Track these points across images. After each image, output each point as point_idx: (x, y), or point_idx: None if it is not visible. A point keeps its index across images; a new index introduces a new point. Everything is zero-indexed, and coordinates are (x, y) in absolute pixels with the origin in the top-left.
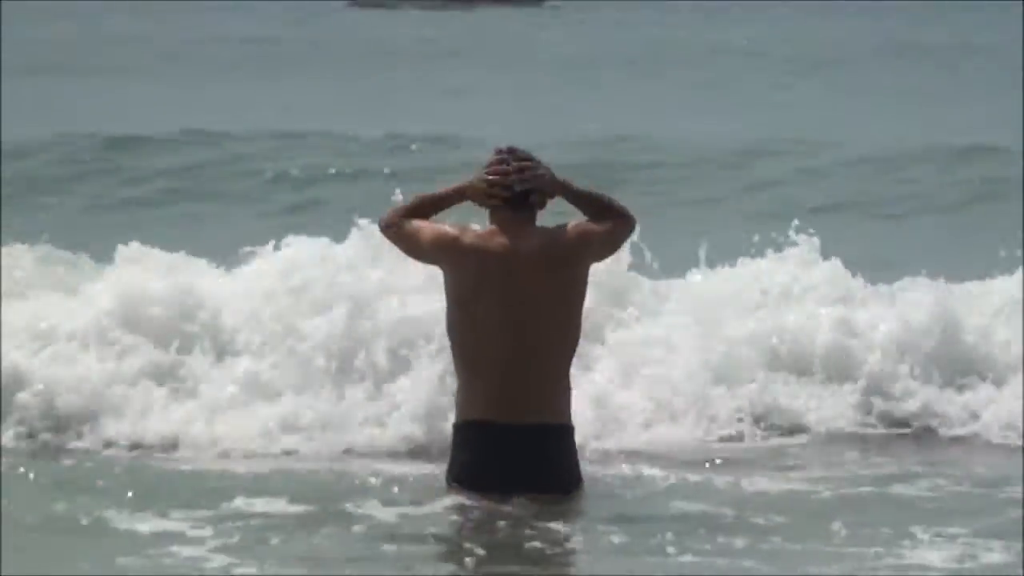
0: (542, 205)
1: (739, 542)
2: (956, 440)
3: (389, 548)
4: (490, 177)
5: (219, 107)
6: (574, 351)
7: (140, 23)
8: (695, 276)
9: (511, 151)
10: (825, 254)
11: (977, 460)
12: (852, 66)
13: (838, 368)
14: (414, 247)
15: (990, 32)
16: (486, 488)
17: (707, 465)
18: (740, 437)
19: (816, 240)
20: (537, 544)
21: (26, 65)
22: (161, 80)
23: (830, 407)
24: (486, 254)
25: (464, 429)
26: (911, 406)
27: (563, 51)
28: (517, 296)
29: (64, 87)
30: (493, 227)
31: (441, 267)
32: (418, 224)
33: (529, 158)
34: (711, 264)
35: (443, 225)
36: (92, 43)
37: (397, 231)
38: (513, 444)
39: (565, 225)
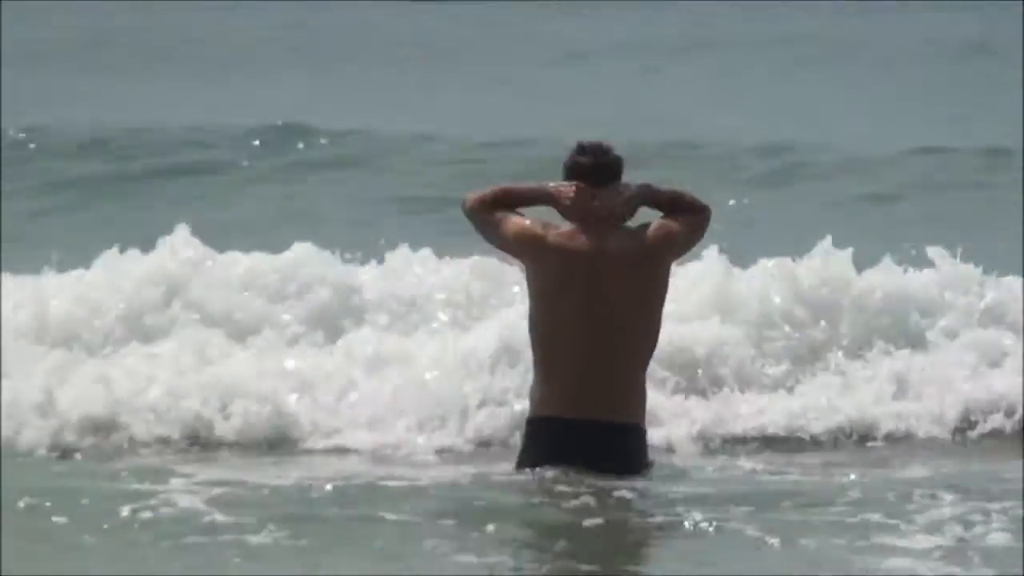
0: (630, 215)
1: None
2: None
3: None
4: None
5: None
6: (652, 352)
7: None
8: None
9: (595, 149)
10: None
11: None
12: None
13: None
14: (497, 237)
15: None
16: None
17: None
18: None
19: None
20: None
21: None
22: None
23: None
24: (571, 252)
25: (538, 423)
26: None
27: (578, 44)
28: (600, 295)
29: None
30: (575, 226)
31: (523, 262)
32: (502, 215)
33: (610, 152)
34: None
35: (527, 220)
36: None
37: (482, 216)
38: (586, 440)
39: (647, 225)
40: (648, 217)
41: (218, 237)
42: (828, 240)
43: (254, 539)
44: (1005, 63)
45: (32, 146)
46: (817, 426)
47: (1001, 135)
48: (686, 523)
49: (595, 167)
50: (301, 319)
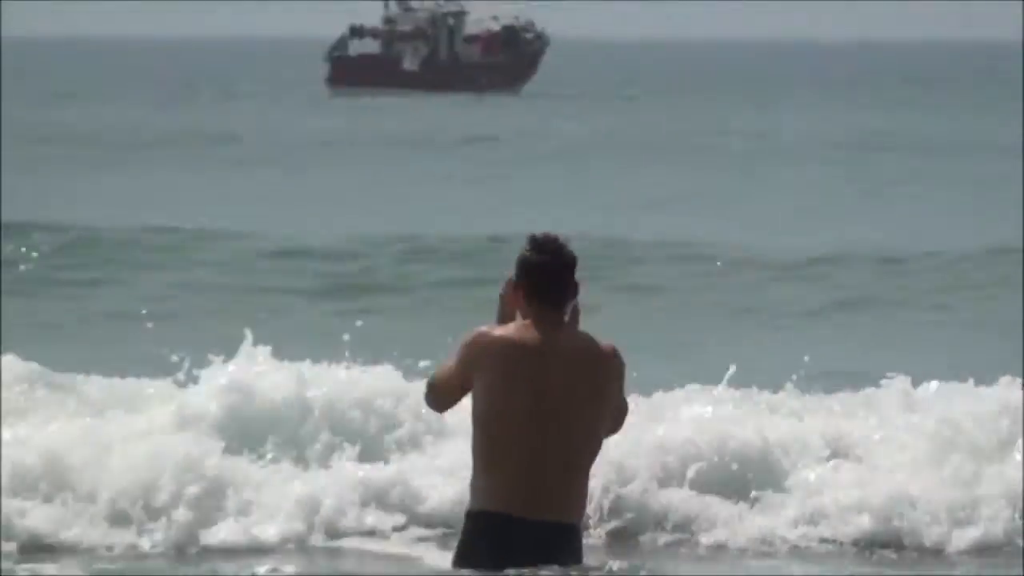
0: (574, 297)
1: None
2: None
3: None
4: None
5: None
6: (599, 451)
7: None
8: None
9: (550, 246)
10: None
11: None
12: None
13: None
14: (460, 395)
15: None
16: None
17: None
18: None
19: None
20: None
21: None
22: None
23: None
24: (519, 345)
25: (480, 518)
26: None
27: (544, 139)
28: (549, 389)
29: None
30: (527, 321)
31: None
32: (448, 383)
33: (564, 249)
34: None
35: (469, 351)
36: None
37: (445, 404)
38: (528, 538)
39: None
40: None
41: None
42: None
43: None
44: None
45: None
46: None
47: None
48: None
49: (550, 266)
50: None
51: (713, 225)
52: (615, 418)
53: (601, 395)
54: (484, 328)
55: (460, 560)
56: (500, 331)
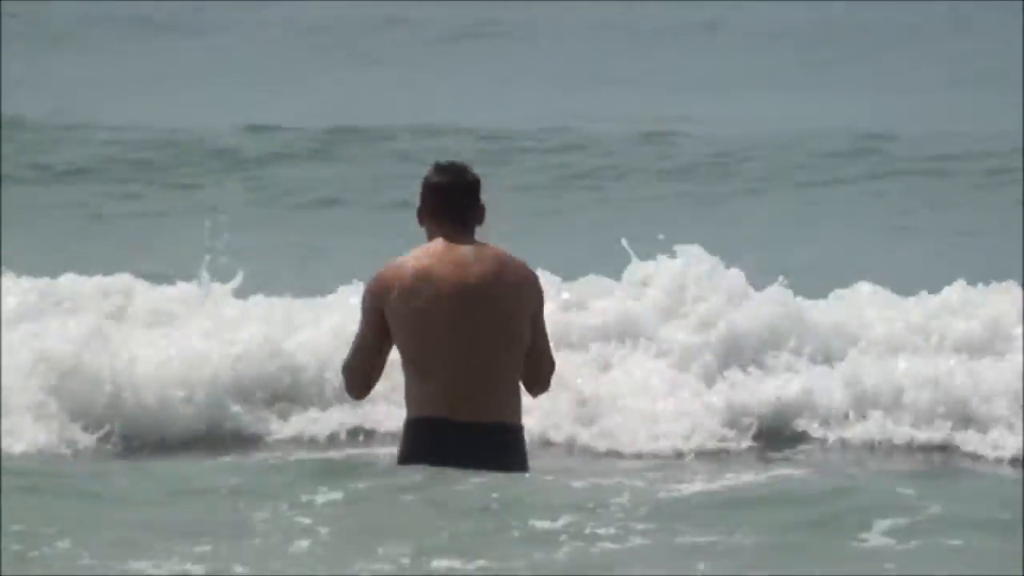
0: (480, 221)
1: None
2: None
3: None
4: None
5: None
6: (522, 363)
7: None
8: None
9: (452, 168)
10: None
11: None
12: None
13: None
14: (378, 354)
15: None
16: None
17: None
18: None
19: None
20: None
21: None
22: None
23: None
24: (423, 262)
25: (419, 424)
26: None
27: None
28: (464, 293)
29: None
30: (437, 240)
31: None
32: (360, 350)
33: (468, 172)
34: None
35: (371, 295)
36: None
37: (364, 377)
38: (468, 441)
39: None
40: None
41: None
42: None
43: None
44: None
45: None
46: None
47: None
48: None
49: (452, 187)
50: None
51: None
52: (538, 364)
53: (519, 302)
54: (378, 272)
55: (405, 460)
56: (396, 261)
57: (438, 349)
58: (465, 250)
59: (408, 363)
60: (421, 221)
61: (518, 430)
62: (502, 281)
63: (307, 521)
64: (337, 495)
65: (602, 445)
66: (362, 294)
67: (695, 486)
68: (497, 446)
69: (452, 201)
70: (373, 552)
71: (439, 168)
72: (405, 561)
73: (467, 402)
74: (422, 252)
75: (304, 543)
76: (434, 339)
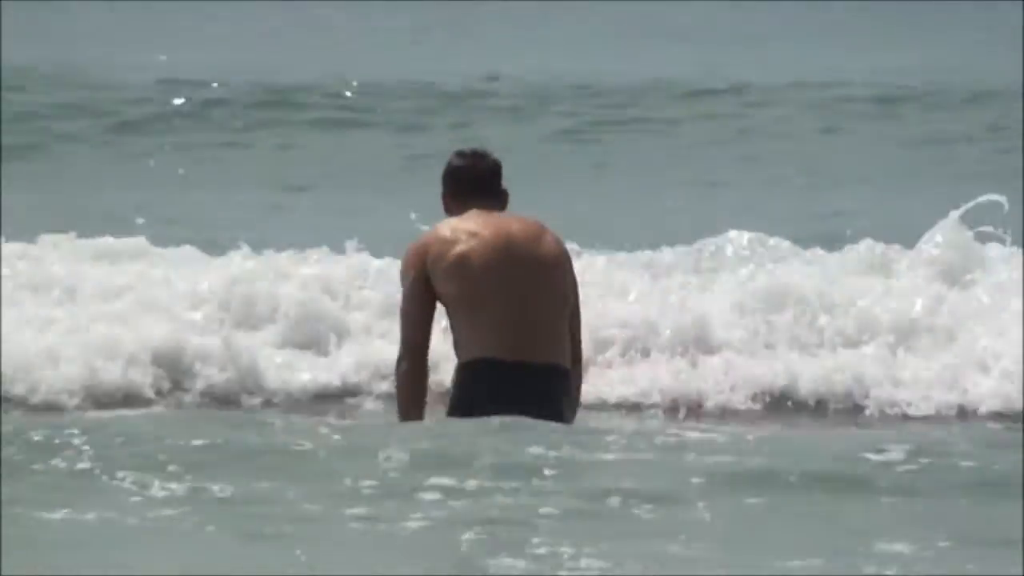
0: (505, 205)
1: None
2: None
3: None
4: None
5: None
6: (566, 313)
7: None
8: None
9: (474, 153)
10: None
11: None
12: None
13: None
14: (429, 323)
15: None
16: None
17: None
18: None
19: None
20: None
21: None
22: None
23: None
24: (467, 223)
25: (476, 365)
26: None
27: None
28: (512, 245)
29: None
30: (469, 214)
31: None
32: (411, 322)
33: (489, 156)
34: None
35: (415, 259)
36: None
37: (420, 353)
38: (524, 381)
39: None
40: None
41: None
42: None
43: None
44: None
45: None
46: None
47: None
48: None
49: (475, 170)
50: None
51: None
52: (576, 337)
53: (560, 260)
54: (410, 244)
55: (456, 412)
56: (439, 225)
57: (486, 291)
58: (502, 214)
59: (456, 312)
60: (448, 209)
61: (569, 375)
62: (543, 239)
63: None
64: None
65: None
66: (401, 271)
67: None
68: (550, 388)
69: (478, 184)
70: None
71: (461, 154)
72: None
73: (519, 343)
74: (455, 218)
75: None
76: (481, 281)
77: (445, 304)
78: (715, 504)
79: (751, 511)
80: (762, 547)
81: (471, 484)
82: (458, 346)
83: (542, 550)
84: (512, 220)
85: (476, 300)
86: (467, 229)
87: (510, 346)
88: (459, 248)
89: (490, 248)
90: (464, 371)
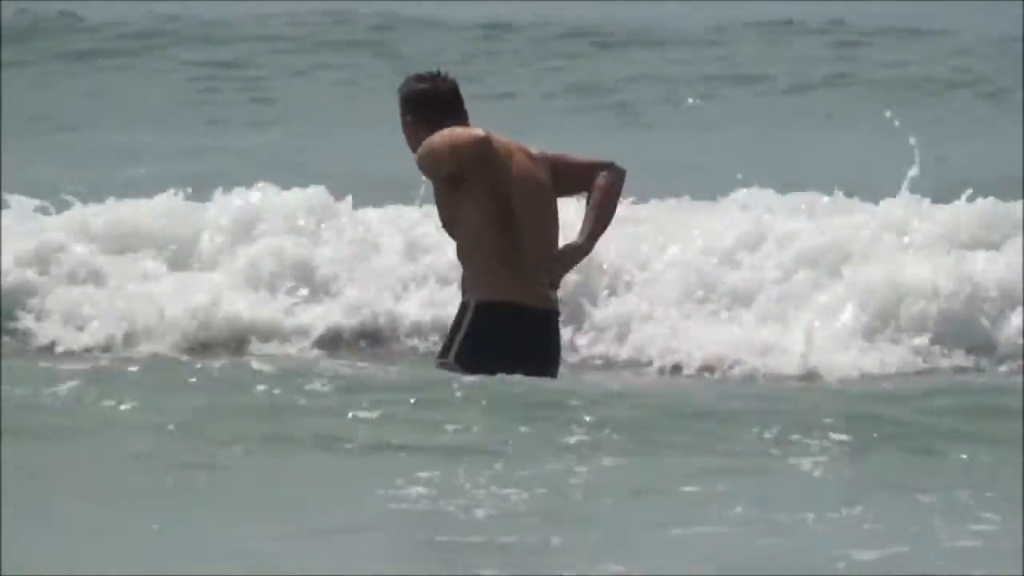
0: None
1: None
2: None
3: None
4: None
5: None
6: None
7: None
8: None
9: (433, 76)
10: None
11: None
12: None
13: None
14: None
15: None
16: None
17: None
18: None
19: None
20: None
21: None
22: None
23: None
24: (504, 146)
25: (503, 311)
26: None
27: None
28: (533, 180)
29: None
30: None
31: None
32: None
33: (447, 77)
34: None
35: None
36: None
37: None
38: (539, 329)
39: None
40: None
41: None
42: None
43: None
44: None
45: None
46: None
47: None
48: None
49: (438, 91)
50: None
51: None
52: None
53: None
54: (436, 141)
55: (475, 352)
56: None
57: (525, 226)
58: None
59: (487, 231)
60: (416, 135)
61: None
62: (538, 161)
63: None
64: None
65: None
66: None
67: None
68: (557, 337)
69: (443, 104)
70: None
71: (421, 78)
72: None
73: (540, 287)
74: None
75: None
76: (524, 218)
77: (476, 206)
78: None
79: None
80: None
81: None
82: (481, 276)
83: None
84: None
85: (508, 243)
86: (510, 164)
87: (535, 294)
88: (509, 189)
89: (523, 178)
90: (491, 314)
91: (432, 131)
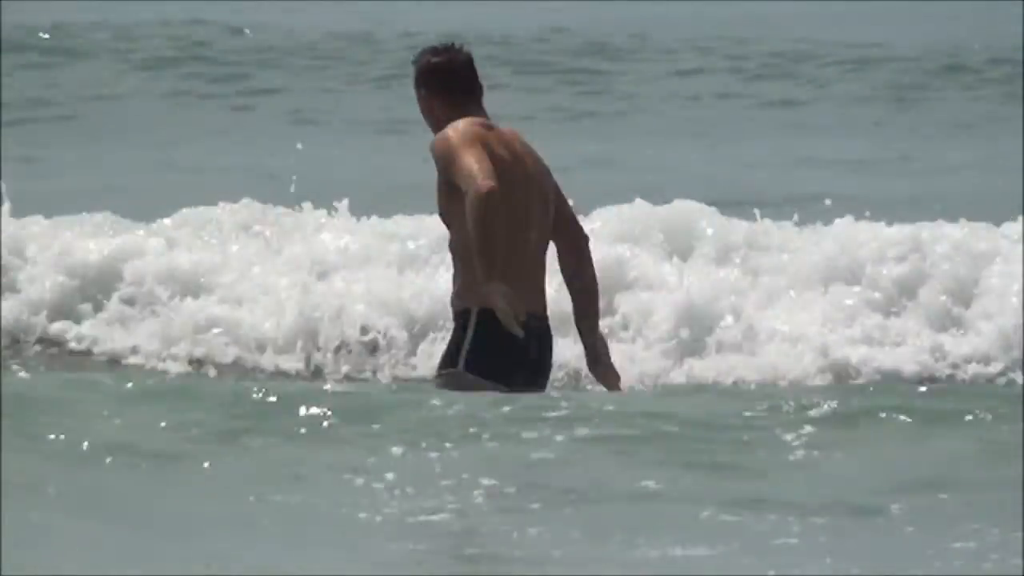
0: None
1: None
2: None
3: None
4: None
5: None
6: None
7: None
8: None
9: (447, 48)
10: None
11: None
12: None
13: None
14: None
15: None
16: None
17: None
18: None
19: None
20: None
21: None
22: None
23: None
24: (496, 141)
25: (494, 317)
26: None
27: None
28: (523, 180)
29: None
30: (474, 118)
31: None
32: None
33: (463, 49)
34: None
35: (474, 140)
36: None
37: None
38: (534, 338)
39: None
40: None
41: None
42: None
43: None
44: None
45: None
46: None
47: None
48: None
49: (454, 63)
50: None
51: None
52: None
53: (551, 183)
54: (477, 134)
55: (483, 358)
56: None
57: (512, 230)
58: (508, 135)
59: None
60: (431, 110)
61: None
62: (541, 168)
63: None
64: None
65: None
66: (445, 164)
67: None
68: (548, 343)
69: (460, 78)
70: None
71: (436, 51)
72: None
73: (527, 297)
74: (472, 122)
75: None
76: (512, 219)
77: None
78: None
79: None
80: None
81: None
82: (469, 285)
83: None
84: (514, 134)
85: (498, 251)
86: (503, 159)
87: (525, 299)
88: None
89: (519, 190)
90: (482, 318)
91: (447, 105)
